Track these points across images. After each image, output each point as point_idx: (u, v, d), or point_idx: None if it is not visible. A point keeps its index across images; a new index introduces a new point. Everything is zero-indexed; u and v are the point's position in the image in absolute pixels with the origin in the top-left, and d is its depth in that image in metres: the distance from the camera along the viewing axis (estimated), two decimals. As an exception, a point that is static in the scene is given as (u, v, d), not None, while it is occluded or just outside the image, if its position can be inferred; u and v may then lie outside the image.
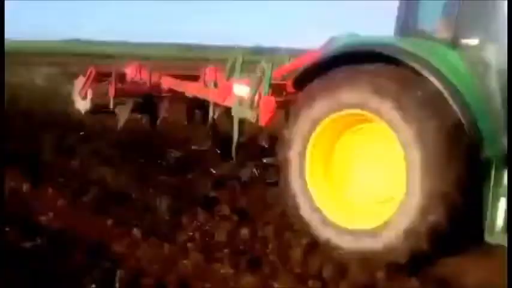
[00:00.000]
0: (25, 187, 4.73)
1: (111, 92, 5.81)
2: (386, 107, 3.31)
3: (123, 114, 5.88)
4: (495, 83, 3.32)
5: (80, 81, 6.29)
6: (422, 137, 3.20)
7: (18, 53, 25.93)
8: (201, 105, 5.78)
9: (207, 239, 3.97)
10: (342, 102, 3.55)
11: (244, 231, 4.05)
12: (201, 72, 5.88)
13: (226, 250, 3.74)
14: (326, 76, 3.66)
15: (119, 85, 5.91)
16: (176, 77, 6.04)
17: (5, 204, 4.29)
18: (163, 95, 5.97)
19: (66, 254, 3.50)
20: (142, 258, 3.59)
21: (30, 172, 5.12)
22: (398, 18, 3.95)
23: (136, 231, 3.93)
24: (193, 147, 6.31)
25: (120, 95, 5.88)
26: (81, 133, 7.25)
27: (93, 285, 3.13)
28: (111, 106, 5.88)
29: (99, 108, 6.15)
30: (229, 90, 5.04)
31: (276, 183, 4.29)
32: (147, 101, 5.86)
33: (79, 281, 3.16)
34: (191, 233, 4.04)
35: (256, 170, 5.34)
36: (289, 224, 4.29)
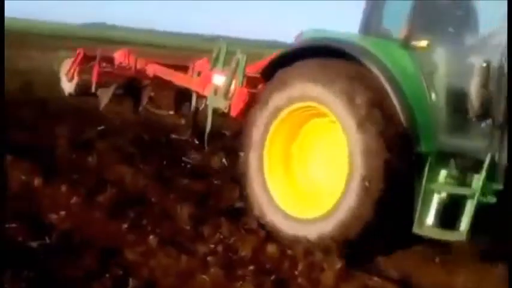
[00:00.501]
0: (37, 182, 4.88)
1: (94, 74, 6.33)
2: (335, 101, 3.80)
3: (104, 97, 6.35)
4: (440, 84, 3.81)
5: (68, 62, 6.82)
6: (363, 133, 3.67)
7: (34, 35, 26.16)
8: (190, 95, 6.25)
9: (230, 253, 3.99)
10: (296, 96, 4.09)
11: (272, 249, 4.04)
12: (191, 63, 6.35)
13: (250, 267, 3.75)
14: (286, 69, 4.19)
15: (103, 68, 6.42)
16: (166, 65, 6.56)
17: (14, 200, 4.42)
18: (146, 82, 6.51)
19: (76, 256, 3.56)
20: (156, 268, 3.65)
21: (43, 166, 5.25)
22: (363, 17, 4.44)
23: (152, 239, 3.99)
24: (173, 136, 6.77)
25: (103, 78, 6.38)
26: (99, 127, 7.39)
27: (103, 293, 3.15)
28: (93, 89, 6.44)
29: (84, 91, 6.63)
30: (209, 80, 5.53)
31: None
32: (131, 87, 6.39)
33: (88, 286, 3.19)
34: (213, 246, 4.06)
35: (226, 159, 5.76)
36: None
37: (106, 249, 3.76)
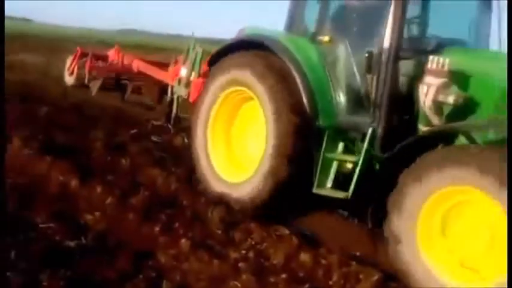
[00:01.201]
0: (73, 183, 4.94)
1: (86, 68, 7.67)
2: (256, 87, 4.63)
3: (94, 87, 7.80)
4: (339, 70, 4.58)
5: (69, 60, 8.18)
6: (276, 111, 4.47)
7: (69, 41, 27.03)
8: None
9: (261, 260, 3.94)
10: (229, 80, 4.93)
11: (305, 257, 3.97)
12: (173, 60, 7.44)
13: (283, 275, 3.70)
14: (224, 59, 5.02)
15: (94, 64, 7.73)
16: (149, 62, 7.80)
17: (52, 200, 4.48)
18: (126, 77, 7.83)
19: (110, 257, 3.58)
20: (188, 272, 3.65)
21: (80, 167, 5.33)
22: (287, 16, 5.13)
23: (184, 242, 3.99)
24: (153, 122, 7.75)
25: (94, 72, 7.69)
26: (132, 131, 7.49)
27: (136, 295, 3.15)
28: (86, 80, 7.76)
29: (81, 82, 7.96)
30: (178, 72, 6.63)
31: None
32: (117, 80, 7.77)
33: (122, 287, 3.21)
34: (244, 252, 4.04)
35: (188, 138, 6.35)
36: (356, 255, 4.15)
37: (139, 251, 3.78)
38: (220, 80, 5.00)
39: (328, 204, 4.53)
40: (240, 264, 3.78)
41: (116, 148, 6.56)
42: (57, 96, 9.75)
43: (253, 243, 4.21)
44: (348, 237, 4.66)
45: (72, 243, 3.71)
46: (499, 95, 3.80)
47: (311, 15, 4.97)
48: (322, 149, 4.32)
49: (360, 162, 4.08)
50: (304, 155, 4.41)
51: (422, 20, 4.72)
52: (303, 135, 4.42)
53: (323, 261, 3.96)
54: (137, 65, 7.65)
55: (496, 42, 4.79)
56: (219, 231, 4.33)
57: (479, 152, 3.47)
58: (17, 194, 4.63)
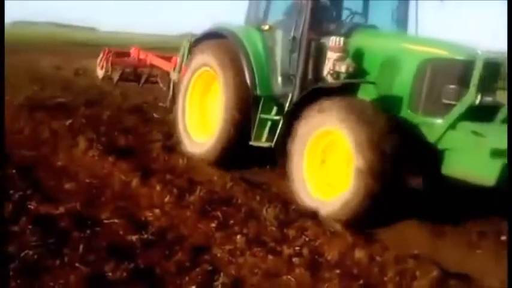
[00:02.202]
0: (134, 182, 5.14)
1: (109, 63, 9.18)
2: (216, 68, 5.93)
3: (115, 77, 9.29)
4: (277, 52, 5.71)
5: (99, 57, 9.58)
6: (226, 83, 5.76)
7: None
8: None
9: (315, 256, 3.95)
10: (199, 63, 6.28)
11: (360, 253, 3.95)
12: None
13: (336, 271, 3.69)
14: (198, 46, 6.38)
15: (115, 59, 9.30)
16: (159, 56, 9.13)
17: (116, 198, 4.71)
18: (143, 69, 9.27)
19: (169, 251, 3.73)
20: (244, 266, 3.72)
21: (140, 167, 5.56)
22: (246, 11, 6.26)
23: (239, 238, 4.06)
24: (160, 104, 9.32)
25: (114, 65, 9.19)
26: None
27: (193, 287, 3.26)
28: (109, 72, 9.17)
29: (109, 76, 9.36)
30: (175, 62, 7.73)
31: None
32: (135, 72, 9.25)
33: (180, 279, 3.34)
34: (298, 248, 4.06)
35: None
36: (414, 252, 4.09)
37: (196, 246, 3.91)
38: (194, 62, 6.39)
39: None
40: (294, 260, 3.81)
41: (173, 149, 6.80)
42: (117, 101, 10.27)
43: (307, 239, 4.22)
44: (405, 235, 4.59)
45: (134, 238, 3.90)
46: (380, 63, 4.99)
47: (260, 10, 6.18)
48: (259, 112, 5.60)
49: (282, 120, 5.26)
50: (246, 116, 5.66)
51: (340, 7, 5.95)
52: (242, 100, 5.69)
53: (378, 258, 3.92)
54: (149, 59, 9.10)
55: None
56: (274, 228, 4.38)
57: (341, 102, 4.57)
58: (84, 193, 4.93)
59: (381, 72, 4.94)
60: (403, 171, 4.46)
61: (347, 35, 5.15)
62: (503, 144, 3.94)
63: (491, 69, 4.54)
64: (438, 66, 4.63)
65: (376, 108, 4.53)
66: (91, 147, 6.22)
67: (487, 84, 4.46)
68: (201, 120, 6.45)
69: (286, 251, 3.96)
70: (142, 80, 9.28)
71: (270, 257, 3.80)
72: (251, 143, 5.58)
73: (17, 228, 3.76)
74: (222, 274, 3.48)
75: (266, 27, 5.82)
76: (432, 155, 4.53)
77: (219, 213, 4.53)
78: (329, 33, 5.23)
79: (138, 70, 9.26)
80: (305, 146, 4.79)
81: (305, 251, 3.99)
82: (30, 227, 3.78)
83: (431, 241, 4.50)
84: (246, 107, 5.67)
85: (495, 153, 4.03)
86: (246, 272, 3.63)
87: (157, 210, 4.56)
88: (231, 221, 4.44)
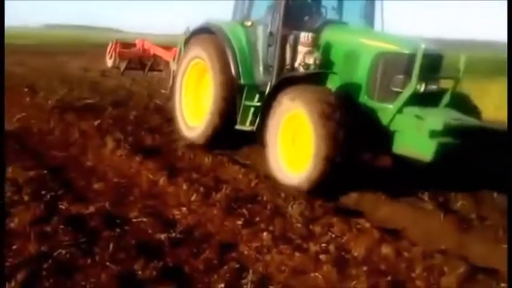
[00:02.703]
0: (161, 181, 5.20)
1: (116, 53, 10.06)
2: (206, 60, 6.55)
3: (122, 66, 10.21)
4: (258, 46, 6.27)
5: (108, 48, 10.46)
6: (214, 74, 6.38)
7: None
8: None
9: (342, 252, 3.92)
10: (192, 55, 6.92)
11: (387, 250, 3.91)
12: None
13: (364, 267, 3.66)
14: (191, 40, 7.01)
15: (122, 50, 10.16)
16: (161, 47, 9.94)
17: (143, 197, 4.76)
18: (147, 59, 10.20)
19: (197, 249, 3.76)
20: (271, 264, 3.72)
21: (167, 166, 5.62)
22: (233, 8, 6.92)
23: (266, 236, 4.07)
24: (162, 91, 10.17)
25: (122, 56, 10.08)
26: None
27: (222, 285, 3.29)
28: (117, 62, 10.06)
29: (116, 65, 10.24)
30: (175, 52, 8.30)
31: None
32: (140, 61, 10.18)
33: (208, 277, 3.37)
34: (325, 245, 4.05)
35: None
36: (441, 248, 4.02)
37: (223, 244, 3.93)
38: (188, 55, 7.05)
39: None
40: (321, 257, 3.79)
41: (198, 147, 6.84)
42: (144, 101, 10.41)
43: (333, 236, 4.20)
44: (432, 230, 4.53)
45: (162, 236, 3.94)
46: (343, 56, 5.61)
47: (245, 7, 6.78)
48: (243, 99, 6.16)
49: (260, 108, 5.88)
50: (232, 103, 6.26)
51: (313, 5, 6.51)
52: (228, 89, 6.28)
53: (405, 254, 3.88)
54: (153, 49, 9.87)
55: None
56: (299, 225, 4.37)
57: (306, 90, 5.24)
58: (113, 192, 5.01)
59: (344, 64, 5.59)
60: (360, 147, 5.15)
61: (318, 31, 5.78)
62: (440, 126, 4.62)
63: (431, 60, 5.17)
64: (388, 59, 5.27)
65: (331, 92, 5.30)
66: (119, 147, 6.32)
67: (429, 73, 5.14)
68: (195, 107, 7.06)
69: (313, 247, 3.95)
70: (147, 69, 10.30)
71: (296, 254, 3.80)
72: (236, 127, 6.21)
73: (49, 228, 3.84)
74: (250, 272, 3.49)
75: (249, 23, 6.42)
76: (385, 136, 5.15)
77: (245, 211, 4.55)
78: (302, 29, 5.81)
79: (142, 59, 10.12)
80: (279, 128, 5.45)
81: (331, 247, 3.98)
82: (62, 226, 3.86)
83: (457, 236, 4.43)
84: (232, 95, 6.27)
85: (432, 134, 4.67)
86: (274, 269, 3.64)
87: (184, 209, 4.61)
88: (257, 218, 4.45)
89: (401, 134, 5.02)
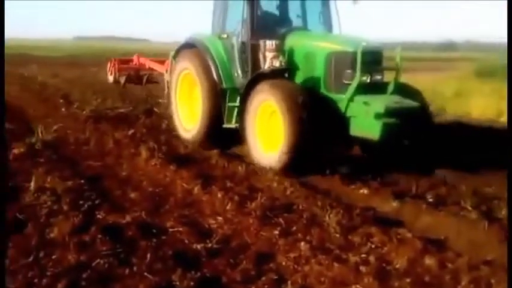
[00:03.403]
0: (196, 189, 5.21)
1: (115, 69, 11.33)
2: (193, 70, 7.46)
3: (121, 80, 11.33)
4: (234, 55, 7.08)
5: (108, 66, 11.85)
6: (200, 81, 7.32)
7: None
8: None
9: (383, 264, 3.80)
10: (181, 67, 7.84)
11: (430, 261, 3.78)
12: None
13: (407, 279, 3.55)
14: (180, 53, 7.91)
15: (120, 65, 11.46)
16: (156, 61, 11.15)
17: (179, 206, 4.77)
18: (144, 72, 11.48)
19: (234, 259, 3.73)
20: (309, 275, 3.65)
21: (201, 175, 5.63)
22: (212, 22, 7.72)
23: (303, 246, 4.00)
24: (159, 100, 10.85)
25: (120, 71, 11.33)
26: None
27: (260, 296, 3.25)
28: (116, 77, 11.26)
29: (116, 80, 11.41)
30: (168, 64, 9.09)
31: None
32: (137, 75, 11.31)
33: (247, 289, 3.33)
34: (364, 255, 3.94)
35: None
36: (487, 258, 3.87)
37: (261, 254, 3.89)
38: (178, 67, 7.92)
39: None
40: (361, 268, 3.70)
41: (232, 155, 6.84)
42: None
43: (373, 246, 4.09)
44: (477, 240, 4.36)
45: (199, 246, 3.93)
46: (304, 57, 6.55)
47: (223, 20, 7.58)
48: (227, 102, 7.05)
49: (237, 108, 6.91)
50: (218, 106, 7.13)
51: (280, 15, 7.51)
52: (214, 94, 7.18)
53: (450, 265, 3.74)
54: (147, 63, 11.09)
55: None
56: (337, 235, 4.29)
57: (274, 84, 6.18)
58: (149, 201, 5.04)
59: (305, 64, 6.56)
60: (324, 132, 5.95)
61: (283, 38, 6.75)
62: (382, 109, 5.59)
63: (372, 55, 6.15)
64: (337, 57, 6.26)
65: (296, 84, 6.37)
66: (153, 156, 6.38)
67: (372, 66, 6.11)
68: (189, 112, 7.89)
69: (352, 258, 3.86)
70: (144, 81, 11.46)
71: (336, 264, 3.71)
72: (224, 126, 7.06)
73: (88, 237, 3.89)
74: (289, 283, 3.43)
75: (225, 36, 7.27)
76: (343, 121, 6.03)
77: (281, 220, 4.49)
78: (269, 37, 6.68)
79: (139, 73, 11.28)
80: (255, 117, 6.34)
81: (372, 258, 3.87)
82: (100, 236, 3.90)
83: (503, 246, 4.25)
84: (217, 98, 7.14)
85: (377, 116, 5.61)
86: (313, 280, 3.56)
87: (220, 218, 4.59)
88: (294, 228, 4.38)
89: (355, 119, 5.94)
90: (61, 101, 11.15)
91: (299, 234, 4.26)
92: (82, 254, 3.62)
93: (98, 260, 3.53)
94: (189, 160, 6.42)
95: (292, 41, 6.70)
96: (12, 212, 4.36)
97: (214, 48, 7.25)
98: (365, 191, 5.56)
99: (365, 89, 5.97)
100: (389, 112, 5.59)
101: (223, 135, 7.14)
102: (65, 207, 4.50)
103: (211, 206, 4.88)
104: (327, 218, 4.58)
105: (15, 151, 6.37)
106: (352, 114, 5.95)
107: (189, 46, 7.67)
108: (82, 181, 5.34)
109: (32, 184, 5.02)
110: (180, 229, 4.23)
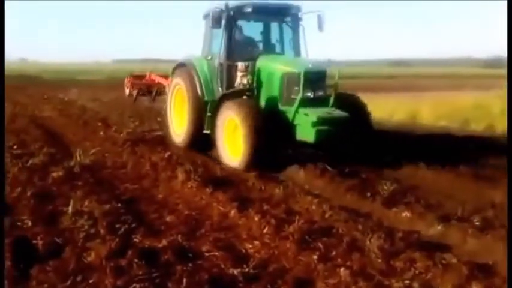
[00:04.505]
0: (232, 213, 5.23)
1: (129, 84, 13.67)
2: (183, 85, 9.02)
3: (134, 95, 13.70)
4: (217, 72, 8.56)
5: (125, 81, 14.13)
6: (187, 95, 8.87)
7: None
8: None
9: (428, 291, 3.68)
10: (175, 83, 9.49)
11: (477, 287, 3.61)
12: None
13: (454, 307, 3.39)
14: (175, 72, 9.54)
15: (133, 81, 13.74)
16: (163, 76, 13.01)
17: (215, 230, 4.79)
18: (153, 86, 13.97)
19: (272, 285, 3.70)
20: (351, 302, 3.54)
21: (237, 197, 5.66)
22: (202, 46, 9.21)
23: (343, 271, 3.94)
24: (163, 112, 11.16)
25: (133, 86, 13.65)
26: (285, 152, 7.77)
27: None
28: (131, 91, 13.60)
29: (130, 93, 13.69)
30: (170, 80, 10.31)
31: None
32: (148, 89, 13.54)
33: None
34: (408, 282, 3.85)
35: None
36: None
37: (299, 280, 3.85)
38: (173, 82, 9.60)
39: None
40: (405, 295, 3.61)
41: (270, 177, 6.85)
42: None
43: (417, 272, 3.99)
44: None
45: (235, 271, 3.93)
46: (266, 77, 8.04)
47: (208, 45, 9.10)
48: (207, 111, 8.42)
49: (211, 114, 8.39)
50: (200, 115, 8.57)
51: (255, 41, 9.10)
52: (198, 105, 8.65)
53: (500, 293, 3.61)
54: (156, 79, 13.15)
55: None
56: (379, 260, 4.20)
57: (236, 102, 7.69)
58: (185, 224, 5.10)
59: (267, 82, 8.06)
60: (276, 138, 7.40)
61: (254, 60, 8.22)
62: (316, 119, 7.12)
63: (316, 75, 7.68)
64: (289, 76, 7.75)
65: (253, 104, 7.73)
66: (189, 179, 6.47)
67: (315, 84, 7.61)
68: (180, 120, 9.34)
69: (395, 285, 3.78)
70: (153, 94, 13.62)
71: (379, 291, 3.63)
72: (204, 131, 8.53)
73: (124, 262, 3.96)
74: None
75: (209, 57, 8.77)
76: (292, 129, 7.50)
77: (320, 244, 4.45)
78: (241, 60, 8.27)
79: (150, 88, 13.45)
80: (223, 128, 7.80)
81: (415, 284, 3.78)
82: (136, 260, 3.97)
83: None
84: (200, 108, 8.60)
85: (313, 124, 7.14)
86: (354, 307, 3.50)
87: (256, 242, 4.58)
88: (333, 253, 4.33)
89: (299, 126, 7.42)
90: (99, 124, 11.51)
91: (339, 259, 4.20)
92: (118, 278, 3.69)
93: (134, 285, 3.59)
94: (225, 182, 6.47)
95: (260, 63, 8.19)
96: (51, 236, 4.50)
97: (201, 67, 8.80)
98: (408, 214, 5.43)
99: (309, 102, 7.51)
100: (322, 121, 7.14)
101: (204, 139, 8.56)
102: (102, 231, 4.61)
103: (248, 230, 4.89)
104: (368, 242, 4.50)
105: (54, 175, 6.61)
106: (297, 123, 7.44)
107: (182, 65, 9.26)
108: (119, 204, 5.47)
109: (70, 208, 5.18)
110: (216, 253, 4.24)
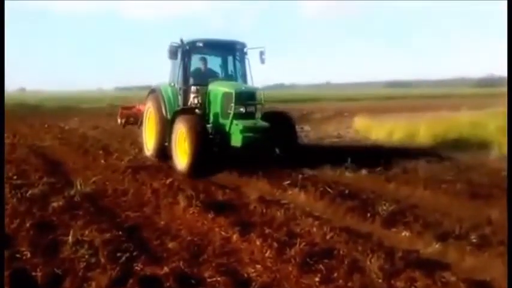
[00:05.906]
0: (234, 237, 5.27)
1: (119, 115, 13.84)
2: (152, 108, 10.99)
3: (123, 123, 13.74)
4: (178, 96, 10.45)
5: (119, 111, 14.39)
6: (156, 116, 10.72)
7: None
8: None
9: (429, 310, 3.69)
10: (148, 106, 11.35)
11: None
12: None
13: (455, 327, 3.40)
14: (148, 97, 11.42)
15: (122, 111, 13.95)
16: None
17: (217, 255, 4.81)
18: (140, 115, 13.27)
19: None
20: (353, 324, 3.55)
21: (239, 222, 5.69)
22: (170, 74, 10.93)
23: (345, 293, 3.92)
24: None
25: (122, 115, 13.77)
26: (286, 182, 7.81)
27: None
28: (121, 120, 13.72)
29: (121, 122, 13.84)
30: None
31: None
32: (135, 118, 13.36)
33: None
34: (409, 301, 3.82)
35: None
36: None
37: (301, 303, 3.85)
38: (146, 106, 11.31)
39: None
40: (407, 315, 3.62)
41: (270, 202, 6.89)
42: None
43: (417, 291, 4.02)
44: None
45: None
46: (213, 97, 9.78)
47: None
48: (171, 124, 9.63)
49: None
50: (164, 131, 10.02)
51: (208, 69, 10.76)
52: (162, 123, 10.28)
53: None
54: (142, 109, 13.11)
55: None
56: (380, 280, 4.23)
57: (184, 117, 9.25)
58: (187, 251, 5.12)
59: (213, 102, 9.77)
60: (213, 145, 9.09)
61: (206, 84, 10.02)
62: (242, 127, 8.94)
63: (247, 94, 9.47)
64: (226, 96, 9.46)
65: (196, 117, 9.32)
66: (190, 205, 6.51)
67: (246, 101, 9.33)
68: (150, 137, 10.97)
69: (397, 305, 3.79)
70: (139, 123, 13.84)
71: (380, 312, 3.65)
72: (166, 144, 9.87)
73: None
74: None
75: (173, 84, 10.45)
76: (228, 137, 9.17)
77: (321, 266, 4.48)
78: (195, 84, 10.15)
79: (137, 116, 13.78)
80: (176, 139, 9.31)
81: (417, 304, 3.79)
82: (138, 288, 3.98)
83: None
84: (164, 126, 10.09)
85: (241, 131, 8.91)
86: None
87: (258, 266, 4.61)
88: (335, 274, 4.36)
89: (232, 134, 9.12)
90: (100, 152, 11.58)
91: (340, 281, 4.24)
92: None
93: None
94: (227, 207, 6.51)
95: (210, 86, 10.00)
96: (51, 267, 4.51)
97: (165, 92, 10.61)
98: (407, 233, 5.47)
99: (241, 116, 9.24)
100: (247, 129, 8.94)
101: (167, 151, 9.93)
102: (103, 260, 4.63)
103: (250, 254, 4.92)
104: (369, 262, 4.54)
105: (54, 205, 6.62)
106: (231, 132, 9.14)
107: (153, 91, 11.08)
108: (120, 232, 5.49)
109: (70, 238, 5.20)
110: (219, 279, 4.27)
